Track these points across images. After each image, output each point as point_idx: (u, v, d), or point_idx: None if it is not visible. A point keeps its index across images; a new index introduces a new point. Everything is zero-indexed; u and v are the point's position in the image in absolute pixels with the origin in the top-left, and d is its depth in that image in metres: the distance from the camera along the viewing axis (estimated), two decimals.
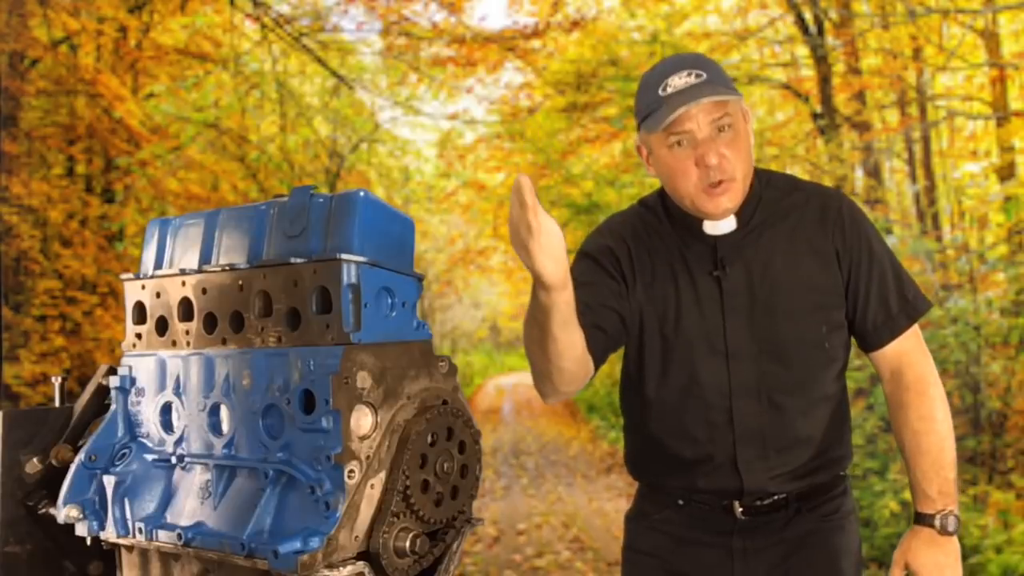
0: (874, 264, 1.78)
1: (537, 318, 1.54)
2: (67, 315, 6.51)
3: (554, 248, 1.37)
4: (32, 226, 6.54)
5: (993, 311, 6.00)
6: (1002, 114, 6.41)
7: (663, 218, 1.82)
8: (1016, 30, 6.47)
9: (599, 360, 1.72)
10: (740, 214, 1.77)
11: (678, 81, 1.68)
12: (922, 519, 1.74)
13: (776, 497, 1.77)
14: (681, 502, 1.82)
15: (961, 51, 6.64)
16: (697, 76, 1.68)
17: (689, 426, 1.77)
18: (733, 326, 1.74)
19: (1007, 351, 5.83)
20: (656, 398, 1.80)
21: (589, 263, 1.81)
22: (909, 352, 1.79)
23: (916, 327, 1.82)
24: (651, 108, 1.70)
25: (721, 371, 1.75)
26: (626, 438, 1.92)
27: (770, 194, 1.80)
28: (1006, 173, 6.36)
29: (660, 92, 1.69)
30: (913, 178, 6.74)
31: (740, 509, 1.77)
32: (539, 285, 1.46)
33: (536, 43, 8.12)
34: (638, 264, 1.79)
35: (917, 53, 6.78)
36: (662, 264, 1.79)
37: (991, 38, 6.50)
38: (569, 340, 1.57)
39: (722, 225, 1.76)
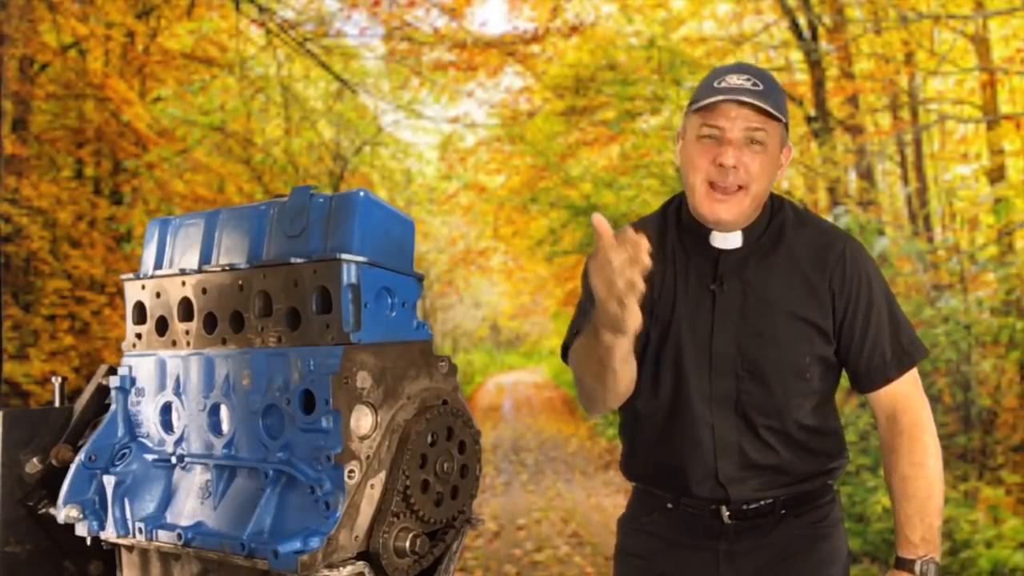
0: (872, 308, 1.76)
1: (598, 355, 1.61)
2: (76, 314, 6.53)
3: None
4: (42, 227, 6.56)
5: (983, 311, 6.02)
6: (992, 117, 6.43)
7: (673, 224, 1.83)
8: (1006, 35, 6.49)
9: None
10: (747, 233, 1.77)
11: (735, 80, 1.69)
12: (903, 564, 1.73)
13: (763, 502, 1.78)
14: (670, 505, 1.83)
15: (952, 56, 6.66)
16: (754, 84, 1.69)
17: (676, 434, 1.78)
18: (720, 341, 1.75)
19: (997, 350, 5.85)
20: (648, 404, 1.81)
21: None
22: (904, 397, 1.78)
23: (914, 373, 1.81)
24: (700, 96, 1.72)
25: (704, 383, 1.75)
26: (622, 441, 1.93)
27: (780, 220, 1.80)
28: (996, 175, 6.39)
29: (715, 84, 1.70)
30: (905, 180, 6.76)
31: (727, 514, 1.78)
32: (614, 330, 1.50)
33: (536, 48, 8.13)
34: (655, 279, 1.78)
35: (909, 58, 6.80)
36: (669, 275, 1.80)
37: (981, 43, 6.52)
38: (627, 369, 1.66)
39: (729, 240, 1.77)
